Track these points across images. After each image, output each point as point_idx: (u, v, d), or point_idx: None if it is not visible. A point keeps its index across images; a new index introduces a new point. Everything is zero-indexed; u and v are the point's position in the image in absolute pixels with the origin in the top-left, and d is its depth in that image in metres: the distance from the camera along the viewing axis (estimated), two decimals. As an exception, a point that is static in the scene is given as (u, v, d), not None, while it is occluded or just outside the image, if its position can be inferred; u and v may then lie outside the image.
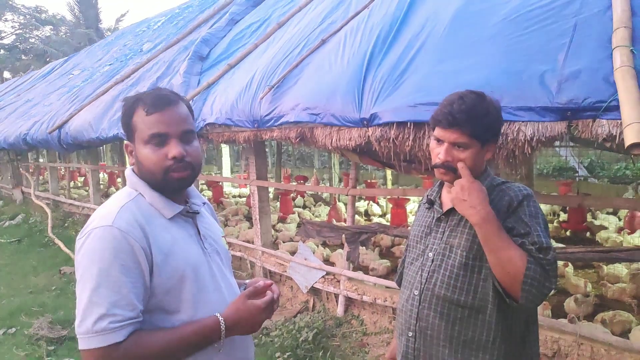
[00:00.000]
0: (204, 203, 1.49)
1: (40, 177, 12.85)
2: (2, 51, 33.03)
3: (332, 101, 3.37)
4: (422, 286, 1.55)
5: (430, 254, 1.56)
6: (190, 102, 4.93)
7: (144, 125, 1.27)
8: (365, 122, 3.10)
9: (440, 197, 1.65)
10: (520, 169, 3.03)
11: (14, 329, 4.51)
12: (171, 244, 1.26)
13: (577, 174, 10.49)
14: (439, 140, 1.49)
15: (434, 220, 1.61)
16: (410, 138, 2.86)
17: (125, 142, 1.36)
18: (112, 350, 1.12)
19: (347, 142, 3.26)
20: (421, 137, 2.82)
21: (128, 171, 1.37)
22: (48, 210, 9.02)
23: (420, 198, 1.86)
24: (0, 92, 17.79)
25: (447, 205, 1.58)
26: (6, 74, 32.28)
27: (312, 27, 4.58)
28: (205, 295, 1.30)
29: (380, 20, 3.72)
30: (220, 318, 1.25)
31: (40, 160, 12.80)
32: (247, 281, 1.56)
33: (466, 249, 1.47)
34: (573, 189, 8.20)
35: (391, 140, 2.96)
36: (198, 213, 1.41)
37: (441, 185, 1.67)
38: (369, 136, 3.11)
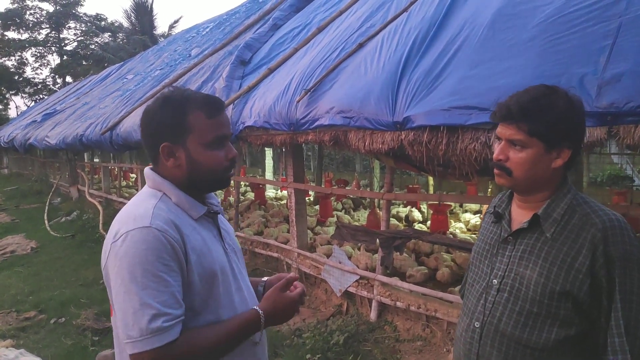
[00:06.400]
0: (219, 203, 1.51)
1: (95, 176, 13.52)
2: (66, 57, 35.16)
3: (366, 104, 3.37)
4: (485, 318, 1.37)
5: (495, 281, 1.36)
6: (231, 105, 5.08)
7: (207, 128, 1.28)
8: (398, 126, 3.09)
9: (510, 212, 1.42)
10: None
11: (63, 319, 4.76)
12: (201, 244, 1.27)
13: (633, 184, 9.90)
14: (499, 138, 1.32)
15: (500, 240, 1.40)
16: (444, 142, 2.82)
17: (164, 143, 1.28)
18: (167, 349, 1.12)
19: (380, 146, 3.25)
20: (454, 141, 2.78)
21: (149, 171, 1.35)
22: (100, 208, 9.48)
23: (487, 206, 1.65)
24: (62, 95, 18.94)
25: (517, 223, 1.37)
26: (68, 79, 34.32)
27: (351, 31, 4.60)
28: (230, 296, 1.32)
29: (418, 23, 3.69)
30: (260, 311, 1.28)
31: (95, 160, 13.48)
32: (265, 279, 1.58)
33: (539, 285, 1.26)
34: (628, 198, 7.76)
35: (424, 144, 2.93)
36: (219, 213, 1.43)
37: (511, 196, 1.44)
38: (401, 140, 3.08)
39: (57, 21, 34.31)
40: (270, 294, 1.33)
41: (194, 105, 1.28)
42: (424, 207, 8.22)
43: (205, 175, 1.31)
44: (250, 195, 10.10)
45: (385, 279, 4.22)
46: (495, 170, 1.33)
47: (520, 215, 1.38)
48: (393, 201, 5.81)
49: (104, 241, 1.26)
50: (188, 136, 1.28)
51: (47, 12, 34.26)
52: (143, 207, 1.24)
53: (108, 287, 1.23)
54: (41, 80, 36.75)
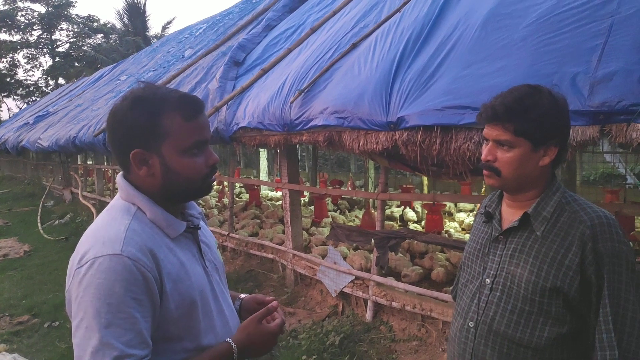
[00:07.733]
0: (199, 213, 1.37)
1: (89, 179, 13.44)
2: (58, 59, 34.96)
3: (360, 105, 3.37)
4: (479, 318, 1.37)
5: (488, 281, 1.37)
6: (225, 106, 5.06)
7: (184, 132, 1.14)
8: (392, 126, 3.09)
9: (500, 211, 1.44)
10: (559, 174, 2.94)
11: (57, 323, 4.73)
12: (178, 268, 1.14)
13: (625, 182, 9.97)
14: (487, 139, 1.33)
15: (491, 239, 1.41)
16: (437, 142, 2.83)
17: (136, 149, 1.13)
18: None
19: (374, 146, 3.25)
20: (448, 141, 2.78)
21: (121, 180, 1.20)
22: (94, 210, 9.42)
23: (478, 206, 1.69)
24: (55, 97, 18.84)
25: (507, 222, 1.39)
26: (61, 80, 34.12)
27: (344, 32, 4.60)
28: (210, 321, 1.21)
29: (411, 23, 3.70)
30: (233, 345, 1.17)
31: (88, 162, 13.40)
32: (242, 295, 1.48)
33: (530, 282, 1.27)
34: (621, 197, 7.81)
35: (418, 144, 2.93)
36: (200, 228, 1.29)
37: (501, 195, 1.46)
38: (395, 140, 3.09)
39: (49, 22, 34.12)
40: (247, 325, 1.22)
41: (169, 107, 1.13)
42: (418, 207, 8.24)
43: (183, 185, 1.17)
44: (245, 197, 10.08)
45: (380, 279, 4.22)
46: (484, 171, 1.34)
47: (510, 215, 1.40)
48: (387, 201, 5.81)
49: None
50: (163, 142, 1.13)
51: (39, 14, 34.08)
52: (114, 229, 1.09)
53: (69, 314, 1.08)
54: (33, 82, 36.56)
